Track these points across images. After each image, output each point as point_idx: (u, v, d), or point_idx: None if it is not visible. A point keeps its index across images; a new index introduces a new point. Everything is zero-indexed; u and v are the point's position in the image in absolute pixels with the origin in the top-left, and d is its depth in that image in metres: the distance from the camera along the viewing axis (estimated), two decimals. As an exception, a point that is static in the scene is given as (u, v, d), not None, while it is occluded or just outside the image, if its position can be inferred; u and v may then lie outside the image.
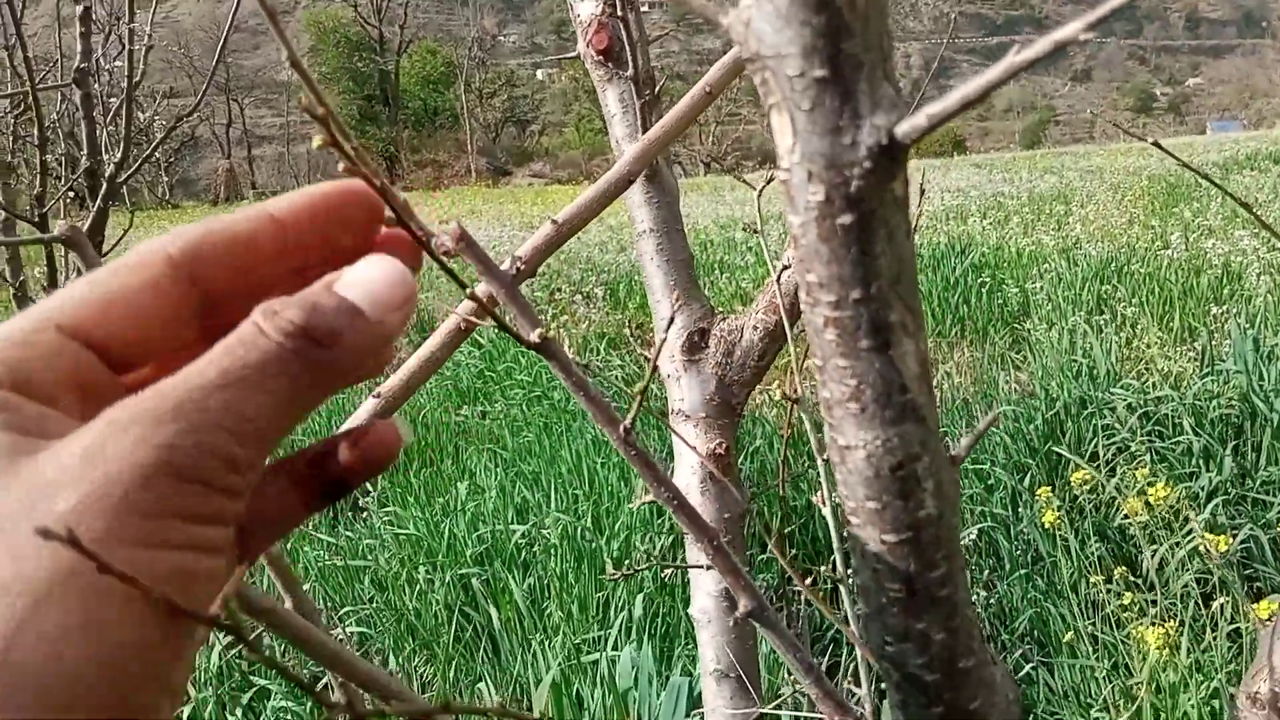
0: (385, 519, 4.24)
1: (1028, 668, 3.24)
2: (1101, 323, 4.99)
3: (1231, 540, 3.43)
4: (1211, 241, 6.18)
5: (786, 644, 0.47)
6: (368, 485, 5.39)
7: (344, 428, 0.57)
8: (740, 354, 0.91)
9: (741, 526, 0.95)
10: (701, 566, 0.93)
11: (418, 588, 3.51)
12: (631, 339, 6.67)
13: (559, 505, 3.80)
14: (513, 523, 3.77)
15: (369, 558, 3.85)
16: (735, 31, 0.31)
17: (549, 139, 75.71)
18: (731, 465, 0.96)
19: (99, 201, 4.49)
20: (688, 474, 0.97)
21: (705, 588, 0.95)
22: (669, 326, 0.94)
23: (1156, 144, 0.73)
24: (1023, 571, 3.77)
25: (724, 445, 0.95)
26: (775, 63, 0.30)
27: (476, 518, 3.96)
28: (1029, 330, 5.39)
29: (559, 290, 8.07)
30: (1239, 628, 3.17)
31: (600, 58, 0.98)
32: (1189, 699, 2.85)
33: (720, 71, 0.73)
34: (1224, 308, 4.79)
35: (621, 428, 0.43)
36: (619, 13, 0.92)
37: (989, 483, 4.18)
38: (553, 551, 3.47)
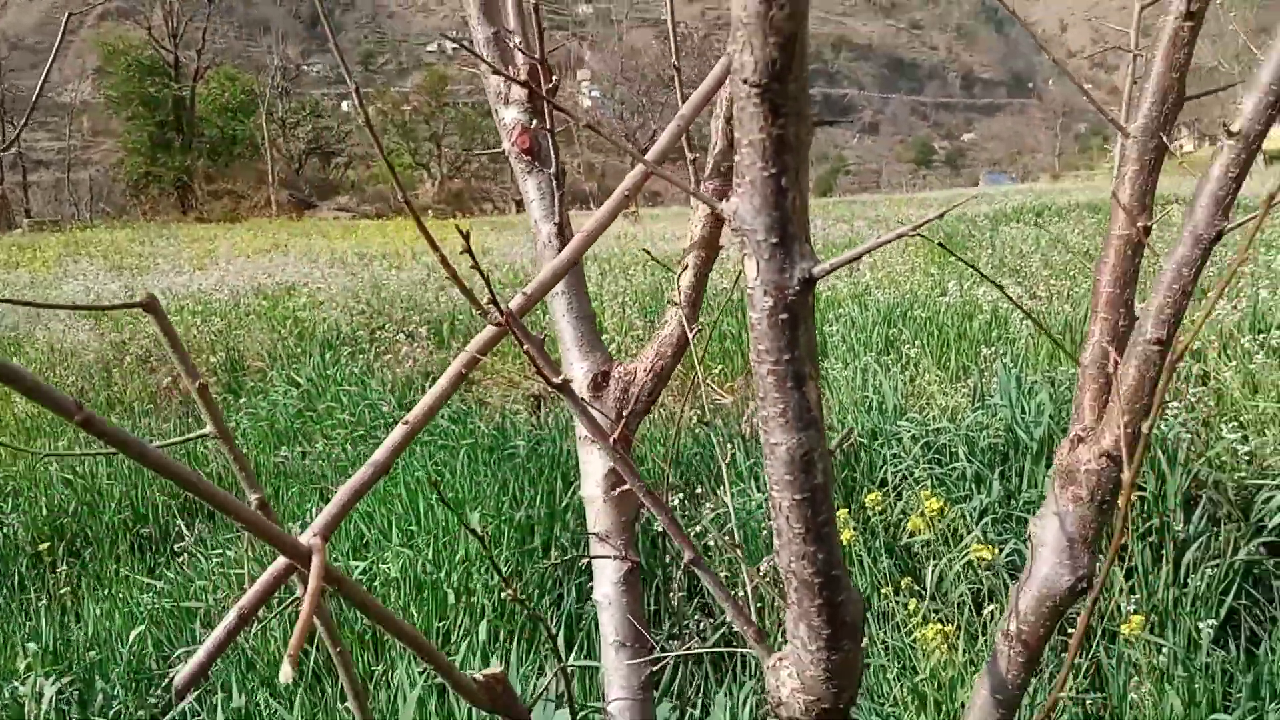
0: (215, 559, 4.22)
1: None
2: (889, 362, 5.55)
3: (999, 553, 3.96)
4: (982, 289, 6.95)
5: (717, 585, 0.73)
6: (182, 528, 5.30)
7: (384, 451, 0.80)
8: (635, 390, 1.16)
9: (634, 524, 1.20)
10: (609, 558, 1.16)
11: (256, 625, 3.55)
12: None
13: (398, 541, 3.92)
14: (351, 558, 3.85)
15: (200, 598, 3.85)
16: (728, 212, 0.57)
17: (355, 172, 74.03)
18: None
19: None
20: (594, 488, 1.20)
21: (609, 577, 1.18)
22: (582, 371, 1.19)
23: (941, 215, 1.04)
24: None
25: (622, 460, 1.20)
26: (750, 232, 0.57)
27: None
28: (826, 369, 5.91)
29: (381, 328, 8.09)
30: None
31: (525, 155, 1.21)
32: (965, 692, 3.27)
33: (632, 182, 0.99)
34: (992, 349, 5.43)
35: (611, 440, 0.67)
36: (537, 122, 1.16)
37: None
38: (394, 585, 3.59)
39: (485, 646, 3.08)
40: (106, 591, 4.19)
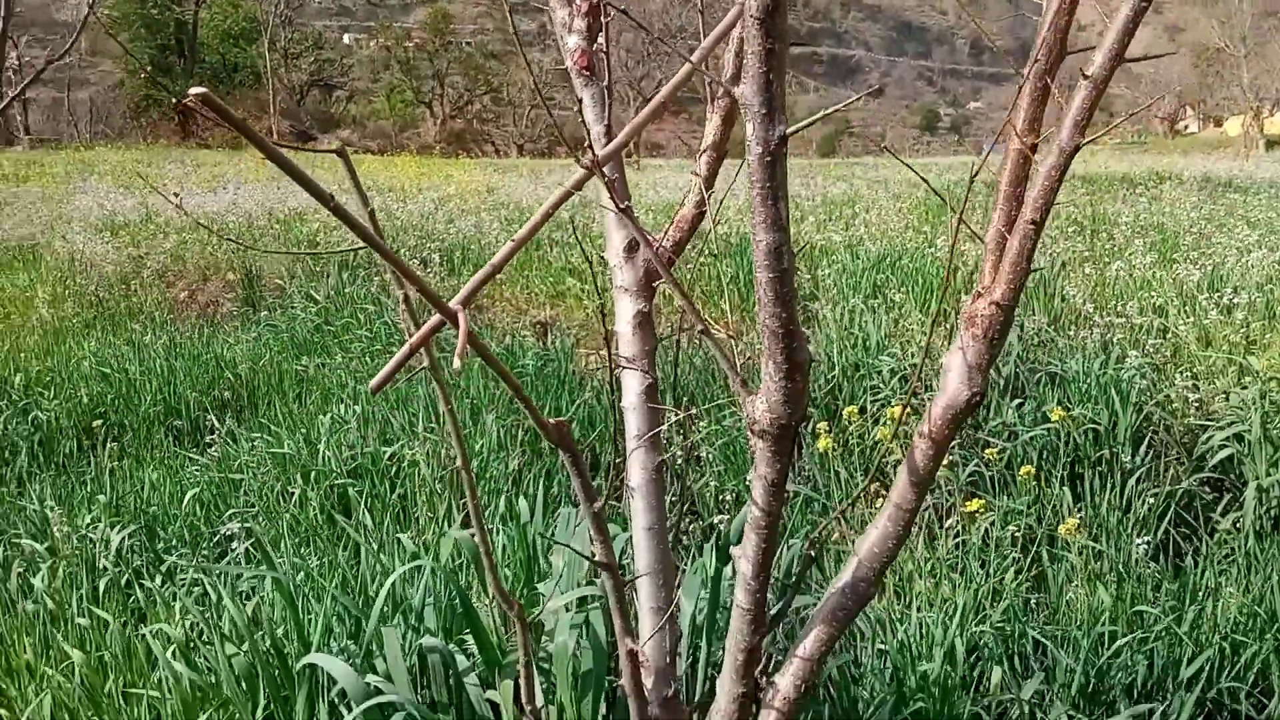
0: (254, 442, 4.64)
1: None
2: (875, 305, 5.96)
3: (962, 471, 4.39)
4: (968, 245, 7.33)
5: (719, 348, 1.14)
6: (213, 421, 5.70)
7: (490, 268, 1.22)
8: (665, 241, 1.57)
9: (654, 355, 1.61)
10: (635, 369, 1.57)
11: (295, 496, 3.99)
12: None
13: (422, 429, 4.35)
14: (380, 443, 4.28)
15: (244, 473, 4.28)
16: (738, 93, 0.97)
17: (357, 106, 73.55)
18: (649, 318, 1.62)
19: None
20: (625, 325, 1.60)
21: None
22: (624, 247, 1.59)
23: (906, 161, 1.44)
24: (802, 495, 4.61)
25: (646, 308, 1.60)
26: (749, 106, 0.97)
27: (342, 443, 4.45)
28: (816, 309, 6.32)
29: (397, 251, 8.46)
30: (964, 540, 4.08)
31: (585, 71, 1.60)
32: (920, 584, 3.71)
33: (671, 87, 1.37)
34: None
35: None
36: (594, 44, 1.55)
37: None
38: (417, 467, 4.02)
39: (504, 514, 3.50)
40: (153, 467, 4.62)
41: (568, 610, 1.86)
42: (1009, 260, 1.39)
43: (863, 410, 5.01)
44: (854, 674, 2.75)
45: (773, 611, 1.42)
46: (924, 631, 3.05)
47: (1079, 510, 4.09)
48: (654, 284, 1.62)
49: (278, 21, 64.29)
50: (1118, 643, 3.19)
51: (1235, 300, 5.20)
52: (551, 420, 1.30)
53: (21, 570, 3.42)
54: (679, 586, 1.80)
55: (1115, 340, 5.22)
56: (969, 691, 2.83)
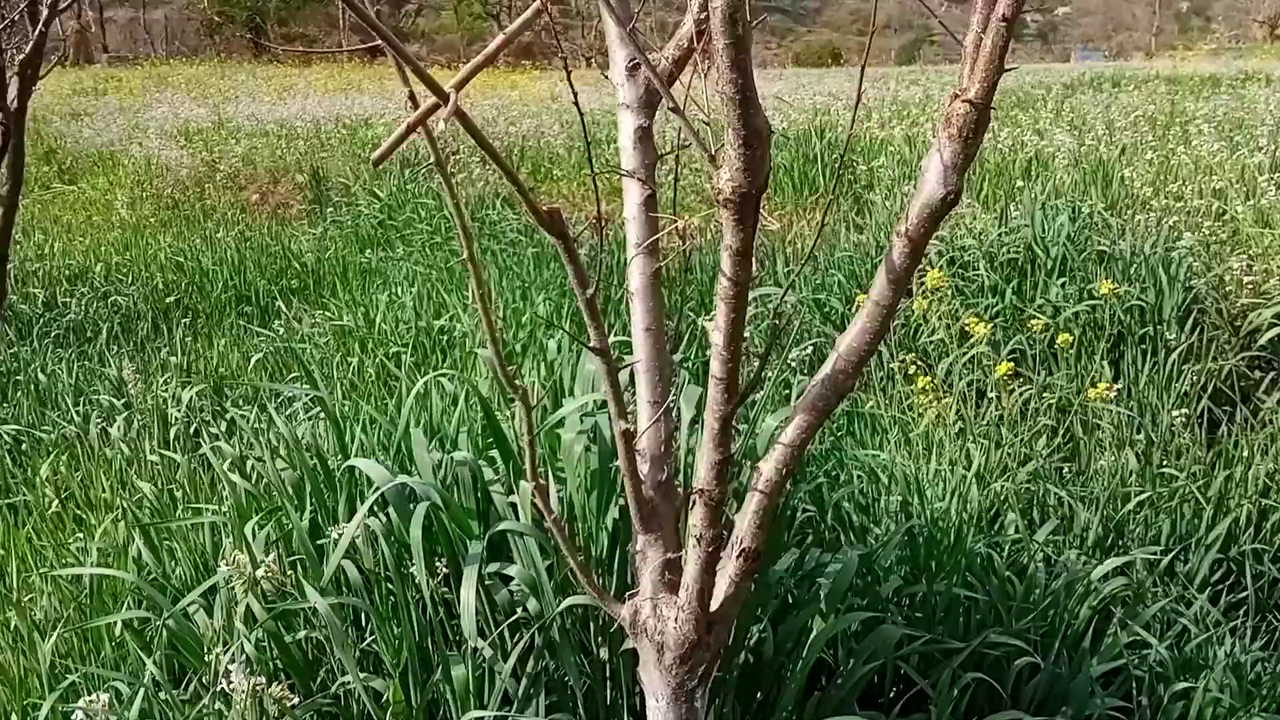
0: (316, 319, 4.87)
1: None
2: (929, 192, 5.93)
3: (1000, 358, 4.40)
4: (1030, 137, 7.20)
5: (692, 133, 1.22)
6: (281, 307, 5.93)
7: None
8: (660, 71, 1.65)
9: (653, 169, 1.71)
10: (634, 177, 1.67)
11: (352, 364, 4.20)
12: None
13: (472, 307, 4.51)
14: (434, 317, 4.47)
15: (305, 342, 4.50)
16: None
17: (425, 20, 73.16)
18: (649, 133, 1.71)
19: (39, 26, 4.97)
20: (627, 139, 1.70)
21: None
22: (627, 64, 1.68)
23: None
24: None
25: (646, 123, 1.70)
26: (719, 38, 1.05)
27: (398, 319, 4.65)
28: (870, 199, 6.31)
29: (456, 153, 8.60)
30: (1002, 414, 4.14)
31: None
32: (948, 452, 3.77)
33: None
34: (1028, 183, 5.78)
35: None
36: None
37: (825, 310, 5.08)
38: (468, 337, 4.20)
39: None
40: (223, 340, 4.88)
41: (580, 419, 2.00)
42: (983, 58, 1.44)
43: (909, 294, 5.04)
44: (870, 520, 2.86)
45: (744, 384, 1.53)
46: (942, 479, 3.15)
47: (1117, 383, 4.10)
48: (654, 101, 1.70)
49: (347, -66, 63.86)
50: (1136, 498, 3.26)
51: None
52: (545, 206, 1.41)
53: (101, 421, 3.69)
54: (680, 391, 1.93)
55: (1171, 224, 5.14)
56: (983, 532, 2.93)
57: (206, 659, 1.95)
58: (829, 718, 1.96)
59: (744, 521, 1.68)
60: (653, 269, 1.73)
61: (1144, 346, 4.42)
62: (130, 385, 3.89)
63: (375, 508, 2.09)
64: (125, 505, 2.56)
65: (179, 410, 3.65)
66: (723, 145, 1.31)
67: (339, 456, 2.26)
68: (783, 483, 1.65)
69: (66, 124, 14.54)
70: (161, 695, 1.89)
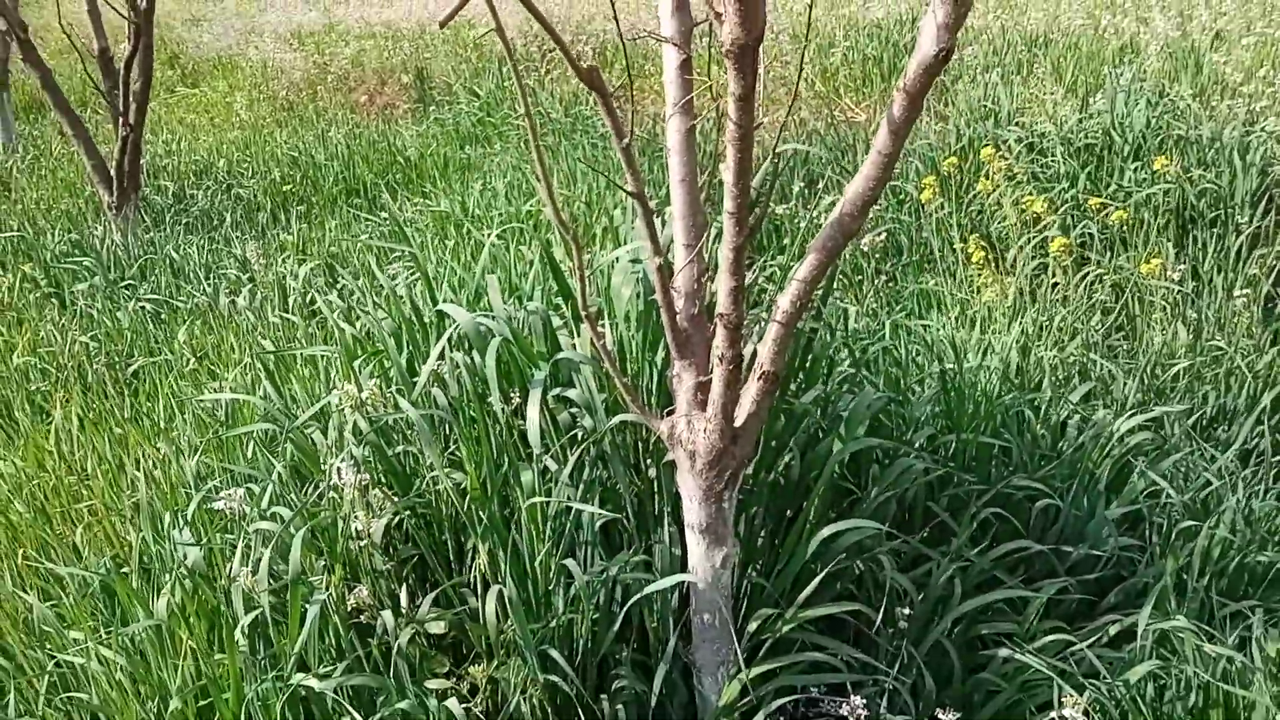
0: (415, 206, 5.25)
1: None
2: (1016, 79, 5.94)
3: (1071, 240, 4.50)
4: (1128, 21, 7.04)
5: None
6: (387, 199, 6.33)
7: None
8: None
9: (689, 34, 1.95)
10: (672, 43, 1.92)
11: (450, 244, 4.56)
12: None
13: (563, 191, 4.83)
14: (525, 202, 4.79)
15: (409, 227, 4.89)
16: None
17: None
18: (686, 2, 1.95)
19: None
20: (665, 8, 1.95)
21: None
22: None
23: None
24: (915, 260, 4.87)
25: (687, 57, 1.95)
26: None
27: (491, 204, 4.99)
28: (957, 89, 6.33)
29: (551, 50, 8.81)
30: (1065, 297, 4.27)
31: None
32: (999, 325, 3.93)
33: None
34: (1117, 69, 5.73)
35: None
36: None
37: (900, 196, 5.22)
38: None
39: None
40: (335, 225, 5.31)
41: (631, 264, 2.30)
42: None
43: (986, 176, 5.13)
44: (905, 374, 3.10)
45: (752, 219, 1.79)
46: (988, 348, 3.36)
47: (1181, 264, 4.19)
48: (690, 37, 1.94)
49: None
50: (1176, 366, 3.41)
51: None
52: (585, 64, 1.68)
53: (230, 294, 4.15)
54: (714, 239, 2.20)
55: (1260, 109, 5.09)
56: (1020, 391, 3.14)
57: (323, 467, 2.34)
58: (846, 530, 2.25)
59: (765, 348, 1.96)
60: (687, 126, 1.99)
61: (1216, 230, 4.46)
62: (254, 262, 4.33)
63: (459, 348, 2.44)
64: (252, 354, 2.97)
65: (296, 283, 4.08)
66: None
67: (431, 306, 2.61)
68: (798, 314, 1.92)
69: (187, 29, 15.18)
70: (288, 495, 2.30)
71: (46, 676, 2.14)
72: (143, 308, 4.20)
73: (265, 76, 11.36)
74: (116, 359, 3.78)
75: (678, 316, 1.99)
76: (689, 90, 1.98)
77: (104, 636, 2.14)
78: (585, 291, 1.95)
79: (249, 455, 2.61)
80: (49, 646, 2.22)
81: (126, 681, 2.05)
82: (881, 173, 1.83)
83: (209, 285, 4.28)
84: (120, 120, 5.54)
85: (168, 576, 2.17)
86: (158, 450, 2.94)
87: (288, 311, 3.85)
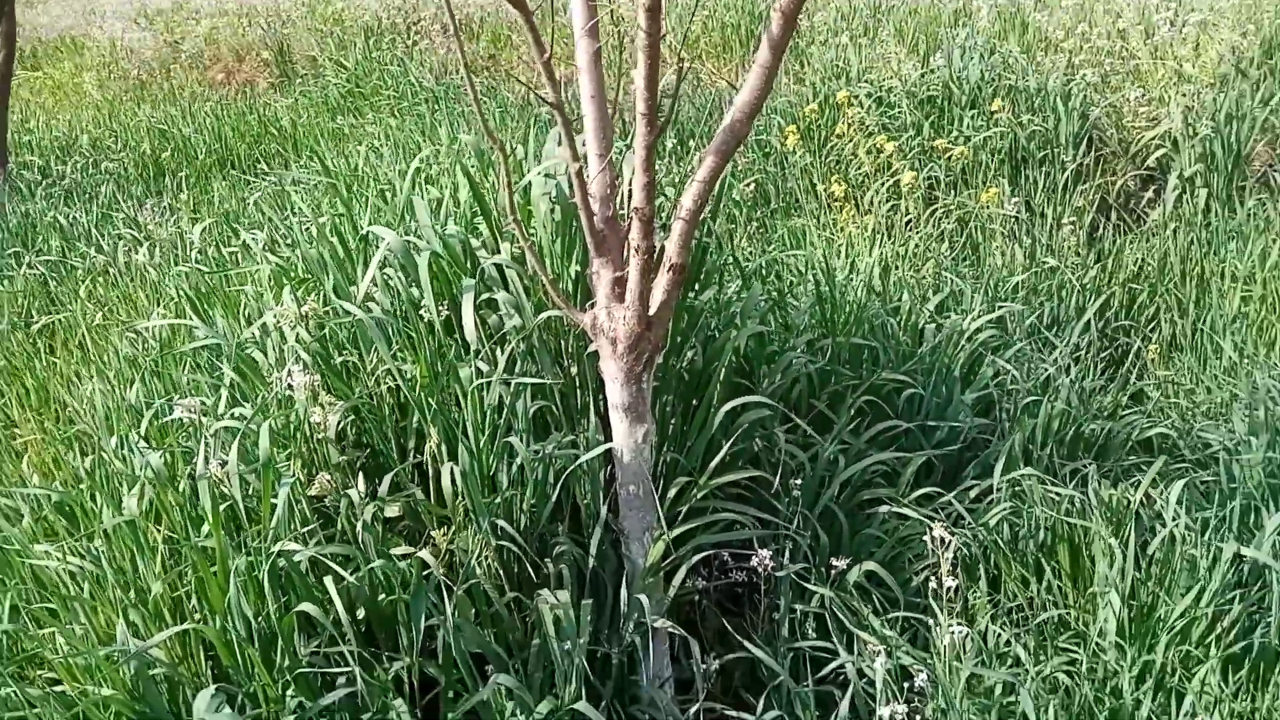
0: (302, 169, 5.34)
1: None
2: (864, 42, 6.41)
3: (919, 180, 4.95)
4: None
5: None
6: (264, 167, 6.35)
7: None
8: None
9: (597, 31, 2.22)
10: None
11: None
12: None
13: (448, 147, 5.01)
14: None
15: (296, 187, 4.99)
16: None
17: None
18: (597, 30, 2.22)
19: None
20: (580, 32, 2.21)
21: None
22: None
23: None
24: (782, 206, 5.26)
25: (595, 23, 2.21)
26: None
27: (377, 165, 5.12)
28: (810, 51, 6.77)
29: (417, 22, 8.90)
30: (918, 231, 4.71)
31: None
32: (867, 254, 4.34)
33: None
34: (953, 30, 6.27)
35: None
36: None
37: (765, 150, 5.61)
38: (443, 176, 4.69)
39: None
40: (220, 188, 5.36)
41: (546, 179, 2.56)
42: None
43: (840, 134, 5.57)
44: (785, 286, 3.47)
45: (661, 121, 2.08)
46: (850, 266, 3.76)
47: (1016, 197, 4.70)
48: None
49: None
50: (1014, 279, 3.88)
51: (1187, 19, 5.61)
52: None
53: (127, 251, 4.20)
54: (622, 154, 2.49)
55: (1079, 61, 5.68)
56: (884, 302, 3.54)
57: (269, 380, 2.53)
58: (747, 408, 2.58)
59: (672, 243, 2.26)
60: (594, 49, 2.27)
61: (1045, 168, 5.00)
62: (148, 223, 4.38)
63: (384, 269, 2.65)
64: (176, 289, 3.10)
65: (195, 238, 4.17)
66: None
67: (353, 234, 2.81)
68: (698, 211, 2.23)
69: (21, 11, 14.45)
70: (240, 403, 2.48)
71: (14, 586, 2.27)
72: (36, 272, 4.21)
73: (114, 56, 11.01)
74: (17, 320, 3.81)
75: (595, 218, 2.27)
76: (594, 16, 2.25)
77: (69, 547, 2.28)
78: (513, 198, 2.20)
79: (189, 382, 2.76)
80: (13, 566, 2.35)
81: (93, 585, 2.21)
82: (764, 83, 2.15)
83: (107, 245, 4.31)
84: (-16, 92, 5.43)
85: (126, 488, 2.32)
86: (84, 388, 3.04)
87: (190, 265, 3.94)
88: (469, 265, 2.66)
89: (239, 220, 4.56)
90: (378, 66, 8.15)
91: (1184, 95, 5.05)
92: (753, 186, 5.47)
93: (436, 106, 7.04)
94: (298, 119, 7.26)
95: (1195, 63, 5.24)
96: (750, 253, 4.77)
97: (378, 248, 2.65)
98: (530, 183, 2.61)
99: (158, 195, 5.85)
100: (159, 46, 11.12)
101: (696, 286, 2.84)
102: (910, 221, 4.80)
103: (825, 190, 4.90)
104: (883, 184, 4.95)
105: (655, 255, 2.25)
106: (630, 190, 2.36)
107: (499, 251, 2.67)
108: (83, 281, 4.01)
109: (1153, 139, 5.02)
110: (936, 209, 4.70)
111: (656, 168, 2.30)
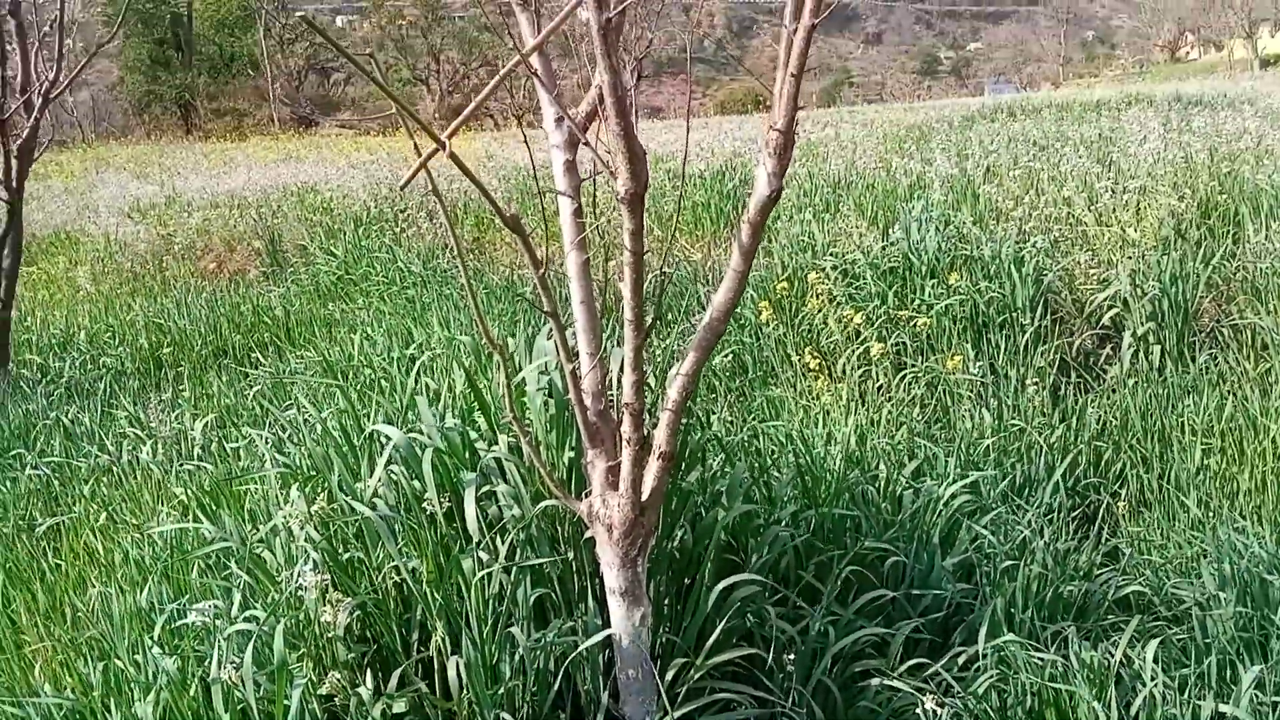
0: (298, 358, 5.55)
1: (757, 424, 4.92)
2: (826, 216, 6.81)
3: (887, 348, 5.21)
4: (914, 163, 8.16)
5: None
6: (258, 357, 6.57)
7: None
8: (580, 114, 2.42)
9: (579, 188, 2.47)
10: (567, 196, 2.43)
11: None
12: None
13: (440, 334, 5.25)
14: (405, 347, 5.18)
15: (293, 379, 5.18)
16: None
17: (354, 88, 73.91)
18: (574, 164, 2.48)
19: (35, 114, 5.75)
20: (558, 169, 2.46)
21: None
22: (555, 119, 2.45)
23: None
24: (759, 375, 5.49)
25: (571, 157, 2.47)
26: (608, 99, 1.83)
27: (371, 352, 5.35)
28: (777, 227, 7.17)
29: (404, 210, 9.34)
30: (889, 397, 4.93)
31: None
32: (843, 423, 4.54)
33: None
34: (909, 204, 6.68)
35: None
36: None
37: (741, 323, 5.88)
38: (436, 363, 4.91)
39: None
40: (216, 383, 5.54)
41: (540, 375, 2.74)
42: (782, 102, 2.24)
43: (814, 293, 5.85)
44: (768, 461, 3.62)
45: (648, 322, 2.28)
46: (828, 437, 3.93)
47: (980, 360, 4.94)
48: (575, 142, 2.47)
49: (271, 9, 64.57)
50: (986, 441, 4.07)
51: (1127, 185, 6.03)
52: (509, 211, 2.16)
53: (131, 450, 4.33)
54: (610, 350, 2.69)
55: (1028, 229, 6.06)
56: (862, 471, 3.70)
57: (278, 580, 2.63)
58: (737, 586, 2.70)
59: (660, 433, 2.43)
60: (582, 259, 2.49)
61: (1005, 332, 5.27)
62: (150, 420, 4.53)
63: (389, 465, 2.80)
64: (186, 489, 3.22)
65: (197, 434, 4.31)
66: (618, 163, 2.07)
67: (358, 432, 2.97)
68: (684, 402, 2.41)
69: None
70: (252, 606, 2.58)
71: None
72: (39, 473, 4.32)
73: (108, 250, 11.41)
74: (21, 523, 3.90)
75: (588, 412, 2.45)
76: (582, 230, 2.49)
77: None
78: (511, 396, 2.38)
79: (200, 584, 2.86)
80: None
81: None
82: (738, 284, 2.37)
83: (111, 444, 4.44)
84: (-9, 296, 5.66)
85: (139, 694, 2.39)
86: (90, 593, 3.12)
87: (194, 461, 4.07)
88: (468, 457, 2.82)
89: (239, 414, 4.72)
90: (366, 254, 8.52)
91: (1129, 258, 5.38)
92: (730, 357, 5.71)
93: (424, 290, 7.35)
94: (290, 307, 7.53)
95: (1137, 227, 5.60)
96: (731, 421, 4.96)
97: (382, 444, 2.80)
98: (525, 378, 2.80)
99: (157, 387, 6.03)
100: (152, 239, 11.54)
101: (683, 465, 3.00)
102: (881, 387, 5.02)
103: (799, 361, 5.13)
104: (853, 352, 5.20)
105: (645, 444, 2.41)
106: (619, 380, 2.54)
107: (496, 443, 2.83)
108: (86, 482, 4.12)
109: (1105, 299, 5.31)
110: (906, 374, 4.92)
111: (657, 315, 2.49)
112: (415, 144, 2.14)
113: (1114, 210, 5.88)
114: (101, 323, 7.78)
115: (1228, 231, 5.89)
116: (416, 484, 2.74)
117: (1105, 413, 4.54)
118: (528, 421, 2.79)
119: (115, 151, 26.61)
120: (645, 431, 2.36)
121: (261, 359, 6.51)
